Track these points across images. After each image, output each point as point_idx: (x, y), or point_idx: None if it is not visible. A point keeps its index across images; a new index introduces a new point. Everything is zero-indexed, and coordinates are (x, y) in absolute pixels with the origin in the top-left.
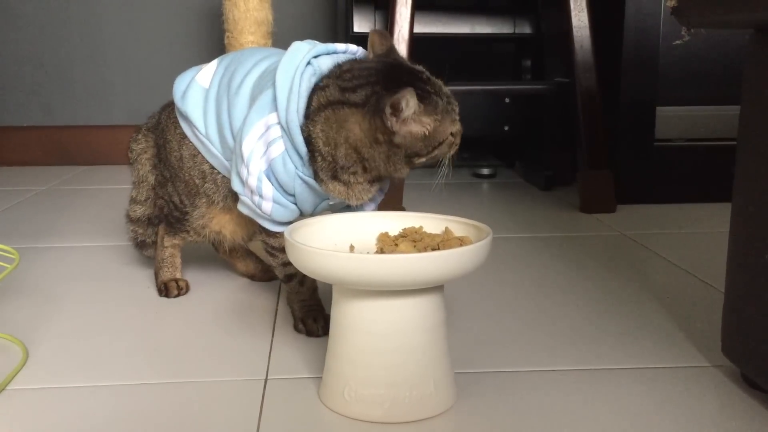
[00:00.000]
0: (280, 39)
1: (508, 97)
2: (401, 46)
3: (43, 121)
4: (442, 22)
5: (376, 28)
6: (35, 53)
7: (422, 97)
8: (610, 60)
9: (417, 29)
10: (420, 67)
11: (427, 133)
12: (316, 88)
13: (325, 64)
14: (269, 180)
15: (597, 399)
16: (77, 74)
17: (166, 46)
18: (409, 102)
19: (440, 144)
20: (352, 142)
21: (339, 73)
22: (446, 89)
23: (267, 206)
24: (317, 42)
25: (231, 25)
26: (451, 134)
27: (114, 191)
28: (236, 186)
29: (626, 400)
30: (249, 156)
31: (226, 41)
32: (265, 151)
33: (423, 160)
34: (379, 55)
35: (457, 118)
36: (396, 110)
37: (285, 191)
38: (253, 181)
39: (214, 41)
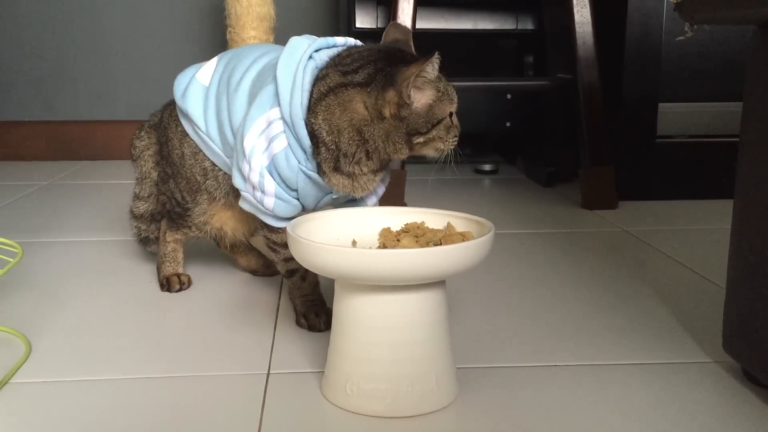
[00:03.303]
0: (283, 35)
1: (510, 93)
2: None
3: (45, 116)
4: (444, 18)
5: (378, 23)
6: (37, 48)
7: None
8: (613, 56)
9: (419, 25)
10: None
11: (431, 102)
12: (316, 80)
13: (326, 57)
14: (271, 175)
15: (598, 394)
16: (79, 69)
17: (169, 42)
18: (435, 66)
19: (439, 122)
20: (355, 123)
21: (338, 60)
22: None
23: (269, 202)
24: (315, 37)
25: (233, 21)
26: (450, 114)
27: (116, 186)
28: (237, 182)
29: (627, 396)
30: (251, 152)
31: (228, 37)
32: (267, 146)
33: (422, 139)
34: (385, 43)
35: (455, 100)
36: (421, 75)
37: (287, 186)
38: (255, 177)
39: (216, 37)
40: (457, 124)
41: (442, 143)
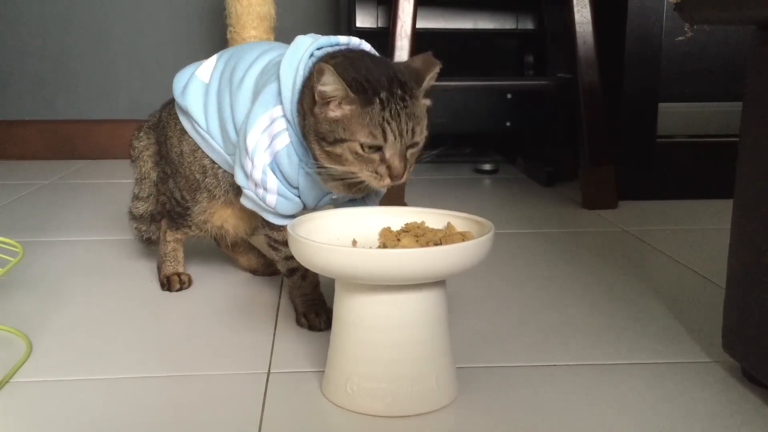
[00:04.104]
0: (283, 34)
1: (510, 92)
2: (404, 41)
3: (45, 115)
4: (444, 18)
5: (379, 23)
6: (38, 47)
7: (358, 90)
8: (613, 56)
9: (419, 24)
10: (410, 81)
11: (336, 118)
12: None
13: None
14: (274, 173)
15: (597, 394)
16: (80, 68)
17: (169, 41)
18: (325, 76)
19: (343, 141)
20: (307, 107)
21: (334, 53)
22: (408, 117)
23: (271, 199)
24: (320, 36)
25: (234, 20)
26: (361, 145)
27: (116, 185)
28: (240, 180)
29: (627, 395)
30: (254, 149)
31: (228, 36)
32: (270, 143)
33: (328, 149)
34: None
35: (389, 140)
36: (318, 77)
37: (289, 184)
38: (257, 174)
39: (216, 36)
40: (390, 165)
41: (357, 170)
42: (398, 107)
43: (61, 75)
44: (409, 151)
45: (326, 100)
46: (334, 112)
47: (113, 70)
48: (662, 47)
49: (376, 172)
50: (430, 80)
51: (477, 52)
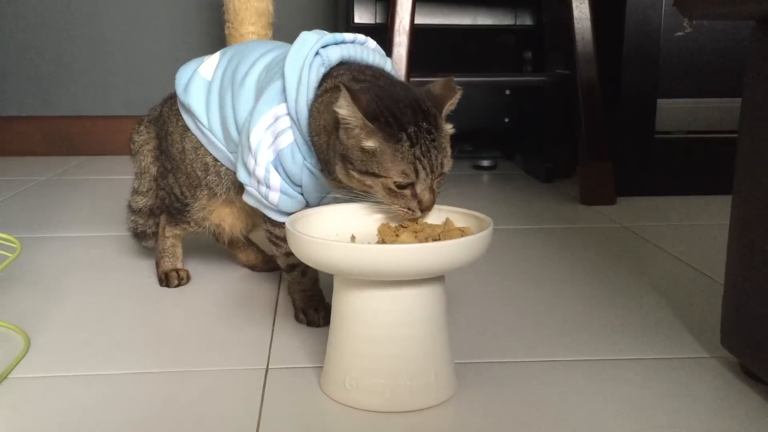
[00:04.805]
0: (281, 30)
1: (508, 88)
2: (402, 37)
3: (43, 111)
4: (443, 14)
5: (377, 19)
6: (36, 43)
7: (385, 125)
8: (611, 52)
9: (418, 20)
10: (432, 108)
11: (367, 149)
12: (327, 76)
13: (334, 53)
14: (277, 170)
15: (596, 389)
16: (78, 64)
17: (167, 37)
18: (341, 100)
19: (377, 176)
20: (329, 128)
21: (357, 68)
22: (438, 151)
23: (274, 197)
24: (325, 32)
25: (231, 16)
26: (395, 183)
27: (114, 181)
28: (242, 177)
29: (625, 391)
30: (257, 146)
31: (226, 32)
32: (273, 141)
33: (356, 175)
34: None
35: (421, 177)
36: (334, 98)
37: (292, 182)
38: (260, 172)
39: (214, 32)
40: (421, 199)
41: (387, 201)
42: (427, 142)
43: (59, 71)
44: (436, 182)
45: (347, 126)
46: (353, 139)
47: (111, 66)
48: (661, 43)
49: (409, 208)
50: (449, 106)
51: (476, 48)
